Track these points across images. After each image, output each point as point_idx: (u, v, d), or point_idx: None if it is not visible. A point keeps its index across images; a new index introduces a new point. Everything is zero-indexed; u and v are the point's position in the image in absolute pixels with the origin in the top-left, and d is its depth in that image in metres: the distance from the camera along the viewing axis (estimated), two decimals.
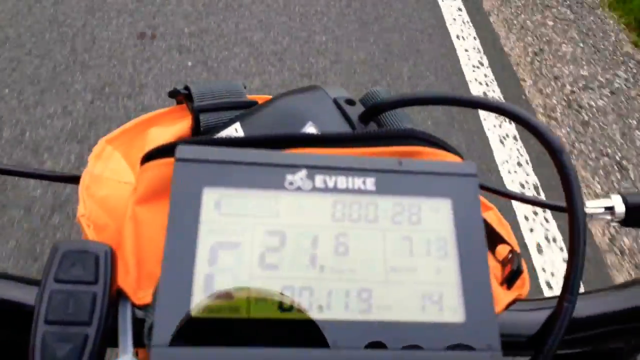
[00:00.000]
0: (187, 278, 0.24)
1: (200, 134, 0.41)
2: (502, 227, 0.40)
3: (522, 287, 0.36)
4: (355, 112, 0.38)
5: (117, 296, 0.28)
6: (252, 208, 0.26)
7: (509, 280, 0.34)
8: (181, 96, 0.44)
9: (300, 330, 0.24)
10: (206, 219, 0.25)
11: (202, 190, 0.26)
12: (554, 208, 0.45)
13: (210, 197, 0.26)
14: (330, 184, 0.27)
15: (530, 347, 0.32)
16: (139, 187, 0.31)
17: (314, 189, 0.27)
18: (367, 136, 0.31)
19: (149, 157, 0.31)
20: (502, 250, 0.37)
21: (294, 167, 0.27)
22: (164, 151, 0.31)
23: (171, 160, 0.31)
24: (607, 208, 0.44)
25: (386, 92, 0.41)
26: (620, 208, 0.43)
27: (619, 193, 0.44)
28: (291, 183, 0.27)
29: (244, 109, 0.43)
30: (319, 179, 0.27)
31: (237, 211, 0.26)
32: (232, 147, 0.27)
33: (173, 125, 0.43)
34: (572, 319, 0.30)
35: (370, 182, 0.27)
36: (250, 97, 0.45)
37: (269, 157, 0.27)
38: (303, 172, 0.27)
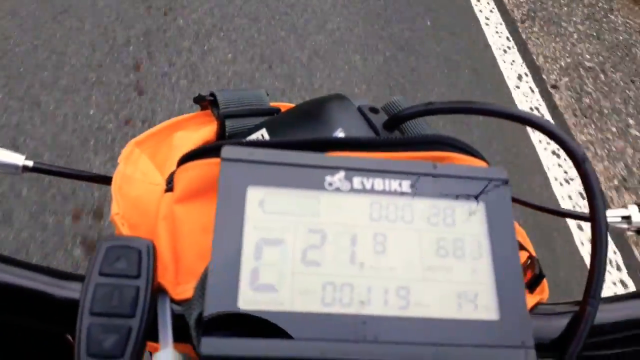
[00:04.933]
0: (235, 272, 0.25)
1: (226, 139, 0.42)
2: (519, 234, 0.40)
3: (543, 291, 0.36)
4: (378, 119, 0.40)
5: (157, 291, 0.29)
6: (294, 207, 0.27)
7: (531, 285, 0.35)
8: (206, 102, 0.45)
9: (342, 324, 0.25)
10: (251, 216, 0.26)
11: (246, 188, 0.27)
12: (577, 217, 0.46)
13: (254, 195, 0.27)
14: (368, 186, 0.28)
15: (553, 350, 0.32)
16: (178, 186, 0.32)
17: (352, 190, 0.28)
18: (402, 142, 0.32)
19: (188, 158, 0.32)
20: (521, 255, 0.38)
21: (333, 169, 0.28)
22: (202, 152, 0.32)
23: (210, 161, 0.32)
24: (624, 217, 0.45)
25: (405, 100, 0.42)
26: (637, 217, 0.44)
27: (636, 203, 0.45)
28: (330, 184, 0.28)
29: (267, 115, 0.44)
30: (356, 181, 0.28)
31: (279, 209, 0.27)
32: (274, 149, 0.28)
33: (198, 131, 0.44)
34: (595, 322, 0.31)
35: (406, 185, 0.28)
36: (273, 104, 0.47)
37: (309, 158, 0.28)
38: (341, 174, 0.28)
